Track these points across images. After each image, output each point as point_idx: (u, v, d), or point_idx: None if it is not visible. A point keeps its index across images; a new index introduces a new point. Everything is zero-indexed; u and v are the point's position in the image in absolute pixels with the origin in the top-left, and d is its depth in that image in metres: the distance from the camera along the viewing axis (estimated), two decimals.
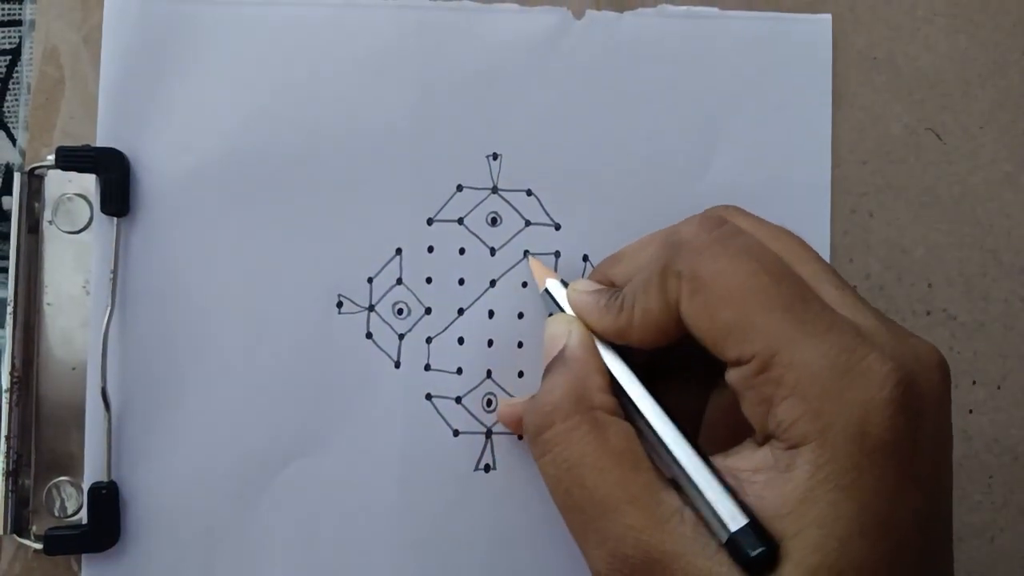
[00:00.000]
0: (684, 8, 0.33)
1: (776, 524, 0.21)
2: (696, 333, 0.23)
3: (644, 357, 0.26)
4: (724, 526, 0.21)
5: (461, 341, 0.32)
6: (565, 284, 0.29)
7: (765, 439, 0.22)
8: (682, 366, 0.27)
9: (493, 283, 0.32)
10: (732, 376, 0.23)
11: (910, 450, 0.21)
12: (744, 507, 0.21)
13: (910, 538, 0.21)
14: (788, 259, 0.24)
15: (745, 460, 0.22)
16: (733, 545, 0.21)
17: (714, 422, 0.27)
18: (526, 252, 0.32)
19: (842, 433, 0.21)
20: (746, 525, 0.21)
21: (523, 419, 0.26)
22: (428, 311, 0.32)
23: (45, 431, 0.31)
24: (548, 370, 0.26)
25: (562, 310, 0.28)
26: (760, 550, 0.20)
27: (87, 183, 0.31)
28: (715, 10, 0.33)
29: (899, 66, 0.34)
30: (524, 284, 0.32)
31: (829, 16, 0.33)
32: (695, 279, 0.23)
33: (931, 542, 0.22)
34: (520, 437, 0.31)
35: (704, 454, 0.23)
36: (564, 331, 0.27)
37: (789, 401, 0.21)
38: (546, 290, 0.29)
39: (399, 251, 0.32)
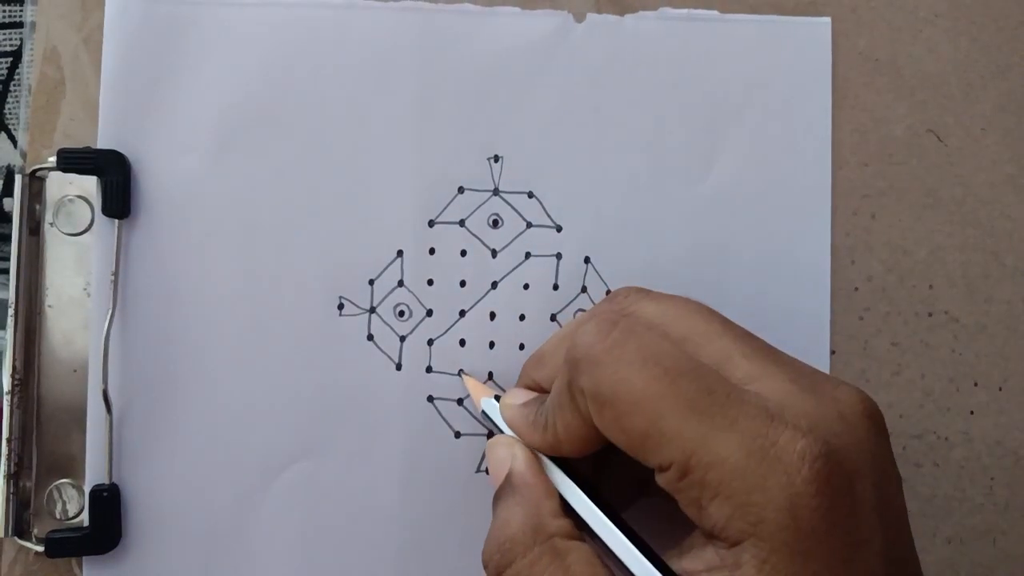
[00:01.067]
0: (685, 11, 0.33)
1: None
2: (615, 443, 0.23)
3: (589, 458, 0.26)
4: None
5: (463, 343, 0.32)
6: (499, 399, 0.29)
7: (708, 535, 0.22)
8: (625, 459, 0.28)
9: (494, 285, 0.32)
10: (659, 480, 0.22)
11: (847, 519, 0.21)
12: None
13: None
14: (693, 341, 0.24)
15: (698, 560, 0.22)
16: None
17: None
18: (460, 371, 0.32)
19: (774, 523, 0.20)
20: None
21: (483, 558, 0.25)
22: (429, 313, 0.32)
23: (46, 433, 0.31)
24: (498, 498, 0.26)
25: (501, 430, 0.28)
26: None
27: (88, 185, 0.31)
28: (716, 13, 0.33)
29: (901, 68, 0.34)
30: (526, 286, 0.32)
31: (829, 19, 0.33)
32: (597, 396, 0.23)
33: None
34: None
35: (665, 566, 0.23)
36: (507, 454, 0.26)
37: (717, 501, 0.21)
38: (483, 412, 0.29)
39: (400, 253, 0.32)
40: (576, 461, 0.26)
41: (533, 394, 0.28)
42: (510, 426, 0.27)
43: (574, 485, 0.25)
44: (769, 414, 0.21)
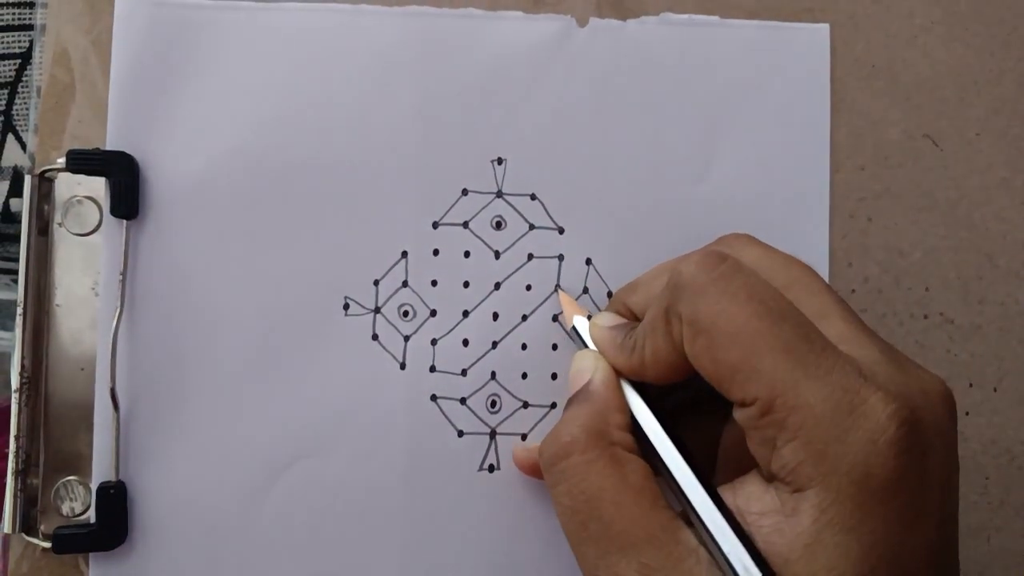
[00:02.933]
0: (686, 16, 0.33)
1: (785, 570, 0.21)
2: (701, 373, 0.24)
3: (664, 388, 0.27)
4: (736, 574, 0.21)
5: (466, 343, 0.32)
6: (591, 318, 0.29)
7: (771, 477, 0.22)
8: (699, 397, 0.27)
9: (497, 286, 0.32)
10: (737, 415, 0.23)
11: (916, 487, 0.21)
12: (756, 553, 0.21)
13: (920, 574, 0.21)
14: (795, 292, 0.24)
15: (754, 501, 0.22)
16: None
17: (729, 448, 0.27)
18: (557, 286, 0.32)
19: (846, 476, 0.21)
20: None
21: (540, 448, 0.26)
22: (433, 313, 0.32)
23: (54, 431, 0.31)
24: (570, 403, 0.27)
25: (587, 346, 0.29)
26: None
27: (97, 186, 0.32)
28: (716, 18, 0.33)
29: (897, 73, 0.34)
30: (528, 287, 0.32)
31: (827, 26, 0.34)
32: (695, 323, 0.23)
33: (940, 573, 0.22)
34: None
35: (719, 498, 0.23)
36: (590, 367, 0.27)
37: (792, 445, 0.21)
38: (574, 327, 0.30)
39: (405, 254, 0.32)
40: (649, 391, 0.27)
41: (622, 319, 0.28)
42: (596, 344, 0.28)
43: (645, 406, 0.26)
44: (861, 374, 0.22)
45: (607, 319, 0.28)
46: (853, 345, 0.23)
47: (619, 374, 0.27)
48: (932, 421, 0.22)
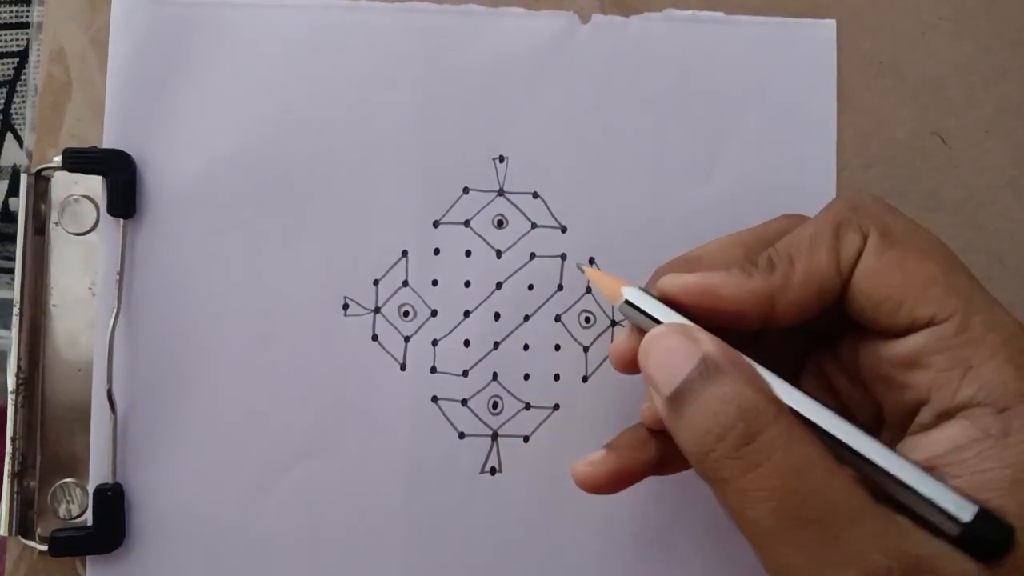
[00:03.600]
0: (690, 12, 0.33)
1: (1005, 496, 0.20)
2: (876, 294, 0.22)
3: None
4: (955, 519, 0.20)
5: (467, 343, 0.32)
6: (643, 290, 0.25)
7: (944, 416, 0.21)
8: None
9: (499, 285, 0.32)
10: (913, 342, 0.22)
11: None
12: (963, 495, 0.20)
13: None
14: None
15: (932, 446, 0.21)
16: (968, 535, 0.20)
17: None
18: (580, 264, 0.31)
19: None
20: (979, 511, 0.20)
21: (697, 442, 0.21)
22: (434, 313, 0.32)
23: (50, 432, 0.31)
24: (693, 384, 0.22)
25: (654, 320, 0.24)
26: (1002, 531, 0.19)
27: (94, 185, 0.31)
28: (721, 15, 0.33)
29: (904, 71, 0.34)
30: (531, 287, 0.32)
31: (834, 21, 0.33)
32: (888, 234, 0.22)
33: None
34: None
35: (898, 451, 0.21)
36: (686, 341, 0.22)
37: (995, 361, 0.21)
38: (627, 302, 0.24)
39: (405, 253, 0.32)
40: None
41: (691, 276, 0.24)
42: (697, 290, 0.23)
43: (773, 374, 0.23)
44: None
45: (675, 277, 0.24)
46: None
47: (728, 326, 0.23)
48: None
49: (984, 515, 0.20)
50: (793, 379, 0.23)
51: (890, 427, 0.24)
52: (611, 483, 0.26)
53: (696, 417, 0.21)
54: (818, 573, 0.20)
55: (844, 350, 0.25)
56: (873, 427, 0.24)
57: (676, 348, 0.22)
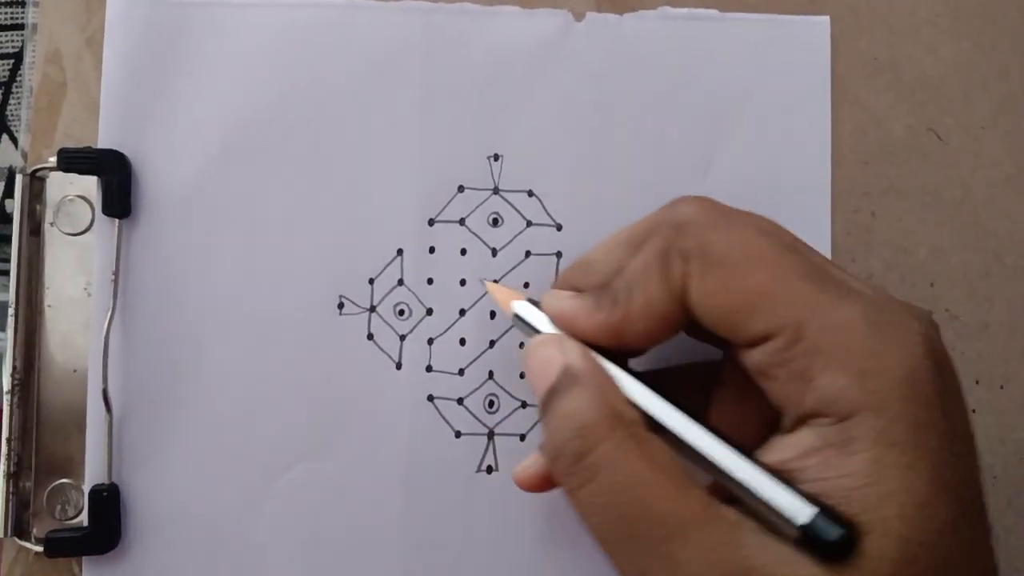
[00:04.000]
0: (685, 10, 0.33)
1: (845, 505, 0.19)
2: (709, 315, 0.22)
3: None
4: (791, 521, 0.20)
5: (463, 342, 0.32)
6: (534, 303, 0.27)
7: (799, 422, 0.21)
8: (677, 377, 0.26)
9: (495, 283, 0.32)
10: (756, 357, 0.22)
11: (951, 404, 0.20)
12: (807, 497, 0.20)
13: (973, 492, 0.20)
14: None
15: (785, 450, 0.21)
16: (808, 538, 0.20)
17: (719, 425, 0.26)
18: (482, 280, 0.31)
19: (895, 393, 0.20)
20: (817, 513, 0.20)
21: (548, 454, 0.23)
22: (429, 312, 0.32)
23: (46, 433, 0.31)
24: (554, 394, 0.23)
25: (539, 332, 0.26)
26: (840, 532, 0.19)
27: (89, 185, 0.31)
28: (715, 12, 0.33)
29: (901, 68, 0.34)
30: (526, 285, 0.32)
31: (827, 18, 0.33)
32: (707, 255, 0.22)
33: (982, 495, 0.21)
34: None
35: (747, 453, 0.22)
36: (556, 351, 0.24)
37: (831, 370, 0.20)
38: (516, 315, 0.27)
39: (400, 252, 0.32)
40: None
41: (575, 294, 0.25)
42: (560, 316, 0.25)
43: (637, 380, 0.23)
44: (878, 300, 0.21)
45: (559, 295, 0.26)
46: (854, 283, 0.22)
47: (591, 347, 0.24)
48: (939, 341, 0.21)
49: (823, 516, 0.19)
50: (717, 382, 0.25)
51: (777, 428, 0.23)
52: (547, 483, 0.26)
53: (547, 430, 0.23)
54: None
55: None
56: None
57: (546, 357, 0.24)
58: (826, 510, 0.20)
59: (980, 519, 0.21)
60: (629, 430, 0.22)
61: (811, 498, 0.20)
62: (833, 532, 0.19)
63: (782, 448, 0.21)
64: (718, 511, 0.21)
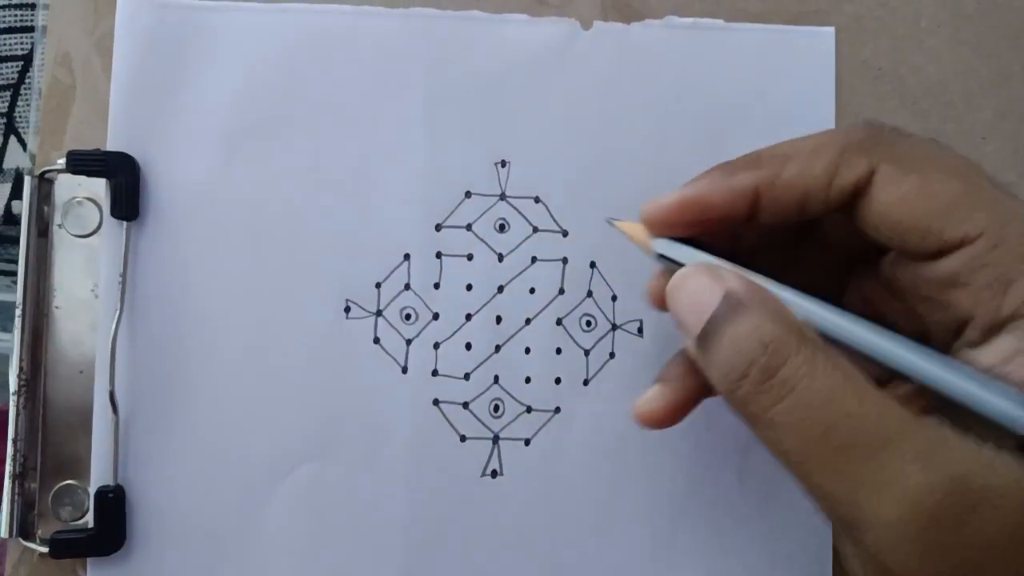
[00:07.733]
0: (690, 20, 0.33)
1: None
2: (895, 221, 0.22)
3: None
4: (1009, 427, 0.19)
5: (468, 347, 0.32)
6: (672, 238, 0.25)
7: (992, 330, 0.21)
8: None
9: (501, 289, 0.32)
10: (947, 265, 0.21)
11: None
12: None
13: None
14: None
15: (983, 358, 0.21)
16: None
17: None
18: (609, 219, 0.28)
19: None
20: None
21: (724, 379, 0.21)
22: (436, 316, 0.32)
23: (52, 434, 0.31)
24: (716, 324, 0.22)
25: (680, 265, 0.24)
26: None
27: (97, 187, 0.31)
28: (721, 22, 0.33)
29: (903, 77, 0.34)
30: (532, 290, 0.32)
31: (832, 29, 0.33)
32: (900, 160, 0.22)
33: None
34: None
35: (950, 359, 0.21)
36: (710, 280, 0.22)
37: None
38: (659, 254, 0.25)
39: (407, 257, 0.32)
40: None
41: (672, 192, 0.25)
42: (683, 197, 0.24)
43: (810, 298, 0.22)
44: None
45: (663, 196, 0.25)
46: None
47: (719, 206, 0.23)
48: None
49: None
50: (836, 301, 0.23)
51: (937, 343, 0.23)
52: (670, 415, 0.26)
53: (721, 355, 0.21)
54: (858, 498, 0.19)
55: (883, 270, 0.25)
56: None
57: (700, 288, 0.22)
58: None
59: None
60: (816, 343, 0.21)
61: None
62: None
63: (977, 359, 0.21)
64: (921, 419, 0.20)
